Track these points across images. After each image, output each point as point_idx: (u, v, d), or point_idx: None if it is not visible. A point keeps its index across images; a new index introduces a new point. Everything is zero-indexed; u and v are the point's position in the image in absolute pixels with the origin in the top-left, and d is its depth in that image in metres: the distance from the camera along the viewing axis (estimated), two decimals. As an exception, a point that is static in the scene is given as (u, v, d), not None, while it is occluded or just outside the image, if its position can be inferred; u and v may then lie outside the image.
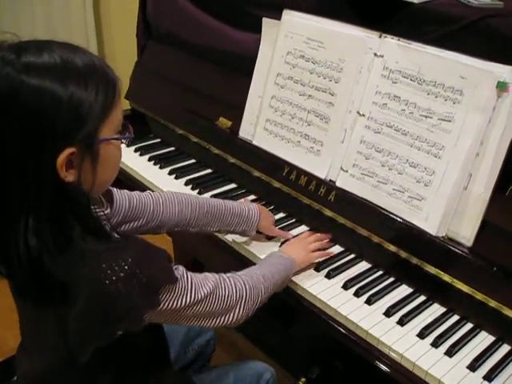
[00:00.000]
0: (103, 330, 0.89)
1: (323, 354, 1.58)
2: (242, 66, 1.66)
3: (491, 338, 1.18)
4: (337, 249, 1.43)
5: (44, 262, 0.84)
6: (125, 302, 0.86)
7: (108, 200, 1.09)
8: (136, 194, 1.27)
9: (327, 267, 1.35)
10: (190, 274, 0.98)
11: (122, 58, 2.31)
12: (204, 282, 1.00)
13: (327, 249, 1.40)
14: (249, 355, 2.10)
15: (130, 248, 0.89)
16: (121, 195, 1.23)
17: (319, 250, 1.36)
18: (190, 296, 0.96)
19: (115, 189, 1.22)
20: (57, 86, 0.80)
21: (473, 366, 1.10)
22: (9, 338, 1.80)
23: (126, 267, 0.85)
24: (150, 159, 1.84)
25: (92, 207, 0.92)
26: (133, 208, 1.25)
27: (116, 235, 0.98)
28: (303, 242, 1.36)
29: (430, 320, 1.21)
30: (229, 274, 1.09)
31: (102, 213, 0.96)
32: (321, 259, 1.36)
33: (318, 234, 1.41)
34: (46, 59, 0.82)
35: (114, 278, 0.84)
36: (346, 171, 1.39)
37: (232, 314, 1.05)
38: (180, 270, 0.96)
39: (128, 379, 1.06)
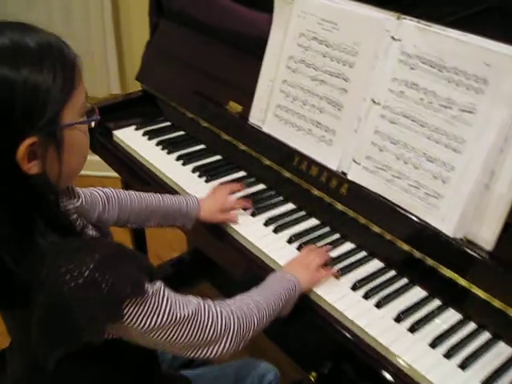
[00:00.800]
0: (64, 338, 0.81)
1: (336, 350, 1.51)
2: (254, 48, 1.56)
3: (510, 350, 1.09)
4: (347, 246, 1.35)
5: (4, 264, 0.78)
6: (83, 312, 0.78)
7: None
8: (87, 191, 1.22)
9: (336, 265, 1.27)
10: (168, 292, 0.88)
11: (139, 37, 2.23)
12: (183, 305, 0.89)
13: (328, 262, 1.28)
14: (260, 347, 2.03)
15: (95, 251, 0.80)
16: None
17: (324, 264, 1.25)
18: (163, 316, 0.85)
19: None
20: (7, 71, 0.73)
21: (488, 382, 1.01)
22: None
23: (86, 273, 0.77)
24: (158, 143, 1.77)
25: (61, 200, 0.85)
26: (87, 205, 1.18)
27: (91, 231, 0.92)
28: (304, 262, 1.22)
29: (443, 328, 1.13)
30: (217, 302, 0.97)
31: (71, 205, 0.89)
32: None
33: (318, 249, 1.29)
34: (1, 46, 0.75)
35: (72, 284, 0.76)
36: (359, 163, 1.30)
37: (216, 348, 0.93)
38: (156, 286, 0.86)
39: (114, 380, 0.99)
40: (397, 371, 1.06)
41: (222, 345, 0.94)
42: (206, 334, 0.91)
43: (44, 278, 0.77)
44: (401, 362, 1.05)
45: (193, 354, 0.93)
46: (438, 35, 1.15)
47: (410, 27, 1.19)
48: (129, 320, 0.83)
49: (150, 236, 2.26)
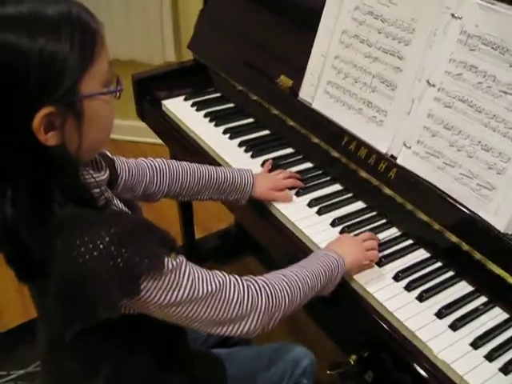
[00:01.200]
0: (80, 313, 0.79)
1: (374, 339, 1.48)
2: (308, 21, 1.50)
3: (558, 356, 1.02)
4: (393, 232, 1.29)
5: (21, 232, 0.77)
6: (97, 286, 0.76)
7: (109, 165, 0.99)
8: (133, 162, 1.21)
9: (380, 253, 1.22)
10: (190, 266, 0.86)
11: (195, 5, 2.19)
12: (207, 280, 0.86)
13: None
14: (301, 326, 2.01)
15: (111, 225, 0.78)
16: (121, 163, 1.17)
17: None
18: (184, 291, 0.83)
19: (115, 156, 1.15)
20: (22, 40, 0.71)
21: (530, 390, 0.96)
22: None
23: (101, 246, 0.75)
24: (205, 115, 1.74)
25: (81, 172, 0.83)
26: (132, 177, 1.19)
27: (117, 204, 0.90)
28: (356, 238, 1.19)
29: (488, 327, 1.07)
30: (246, 277, 0.94)
31: (92, 180, 0.86)
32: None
33: (369, 234, 1.24)
34: (9, 10, 0.73)
35: (87, 256, 0.75)
36: (409, 147, 1.23)
37: (242, 325, 0.90)
38: (177, 260, 0.84)
39: (133, 366, 0.98)
40: (433, 369, 1.01)
41: (249, 323, 0.91)
42: (230, 311, 0.88)
43: (59, 250, 0.76)
44: (439, 360, 1.01)
45: (217, 331, 0.90)
46: (502, 15, 1.06)
47: (472, 5, 1.11)
48: (146, 295, 0.80)
49: (198, 207, 2.25)
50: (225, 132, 1.66)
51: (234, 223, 2.55)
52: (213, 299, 0.86)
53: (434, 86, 1.19)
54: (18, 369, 1.32)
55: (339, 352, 1.89)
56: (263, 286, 0.93)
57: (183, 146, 1.71)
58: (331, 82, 1.42)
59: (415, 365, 1.04)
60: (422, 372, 1.02)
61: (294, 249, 1.29)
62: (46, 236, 0.77)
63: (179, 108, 1.78)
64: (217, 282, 0.88)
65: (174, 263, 0.83)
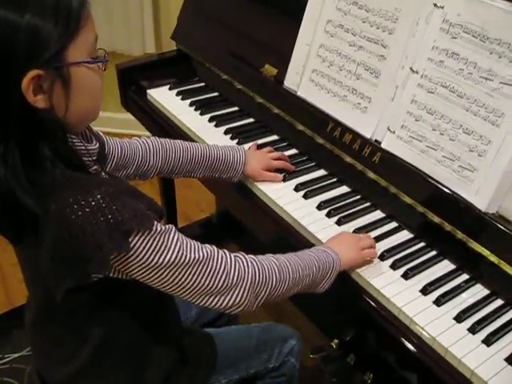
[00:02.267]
0: (73, 269, 0.83)
1: (360, 318, 1.52)
2: (293, 10, 1.53)
3: (537, 328, 1.08)
4: (378, 214, 1.34)
5: (14, 191, 0.80)
6: (89, 241, 0.79)
7: (100, 143, 1.02)
8: (126, 141, 1.26)
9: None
10: (179, 234, 0.89)
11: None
12: (196, 248, 0.89)
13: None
14: (284, 311, 2.05)
15: (104, 185, 0.82)
16: (113, 142, 1.22)
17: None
18: (171, 255, 0.86)
19: (107, 136, 1.20)
20: (12, 15, 0.77)
21: (512, 358, 1.01)
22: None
23: (93, 203, 0.79)
24: (191, 104, 1.77)
25: (70, 139, 0.87)
26: (124, 155, 1.23)
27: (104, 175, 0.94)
28: (354, 237, 1.20)
29: (470, 302, 1.12)
30: (236, 253, 0.96)
31: (83, 147, 0.90)
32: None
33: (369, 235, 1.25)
34: None
35: (79, 213, 0.79)
36: (393, 132, 1.28)
37: (227, 298, 0.92)
38: (167, 226, 0.88)
39: (122, 333, 1.01)
40: (420, 343, 1.06)
41: (234, 296, 0.92)
42: (216, 281, 0.90)
43: (52, 208, 0.80)
44: (424, 333, 1.05)
45: (202, 302, 0.92)
46: (482, 4, 1.11)
47: (454, -6, 1.16)
48: (136, 254, 0.84)
49: (180, 196, 2.28)
50: (210, 120, 1.69)
51: (216, 213, 2.58)
52: (199, 267, 0.89)
53: (417, 72, 1.23)
54: (12, 352, 1.34)
55: (322, 336, 1.93)
56: (251, 262, 0.95)
57: (169, 134, 1.72)
58: (316, 70, 1.46)
59: (402, 339, 1.08)
60: (410, 346, 1.06)
61: (282, 231, 1.33)
62: (39, 194, 0.81)
63: (164, 97, 1.80)
64: (205, 251, 0.90)
65: (163, 227, 0.87)
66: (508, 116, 1.08)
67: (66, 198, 0.79)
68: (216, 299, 0.92)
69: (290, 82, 1.54)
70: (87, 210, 0.79)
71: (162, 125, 1.75)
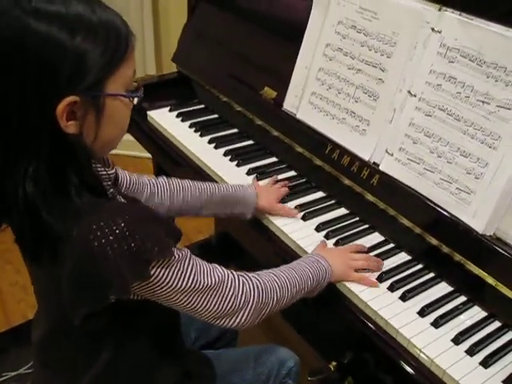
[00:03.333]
0: (92, 293, 0.84)
1: (358, 341, 1.51)
2: (292, 34, 1.56)
3: (534, 351, 1.08)
4: (376, 236, 1.34)
5: (40, 211, 0.81)
6: (111, 268, 0.81)
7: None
8: (135, 175, 1.26)
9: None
10: (194, 259, 0.92)
11: (176, 19, 2.25)
12: (208, 273, 0.93)
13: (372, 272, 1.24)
14: (283, 334, 2.05)
15: (126, 212, 0.84)
16: (121, 171, 1.22)
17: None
18: (187, 281, 0.89)
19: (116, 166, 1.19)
20: (64, 36, 0.78)
21: (510, 381, 1.01)
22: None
23: (117, 231, 0.80)
24: (191, 126, 1.78)
25: (94, 165, 0.89)
26: (133, 188, 1.24)
27: (121, 199, 0.95)
28: (348, 255, 1.22)
29: (468, 324, 1.12)
30: (241, 273, 1.00)
31: (104, 172, 0.93)
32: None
33: (368, 256, 1.26)
34: (58, 8, 0.79)
35: (102, 240, 0.80)
36: (392, 155, 1.29)
37: (233, 319, 0.97)
38: (184, 252, 0.91)
39: (131, 352, 1.02)
40: (418, 365, 1.06)
41: (240, 317, 0.97)
42: (225, 305, 0.94)
43: (75, 233, 0.81)
44: (422, 355, 1.05)
45: (211, 321, 0.96)
46: (479, 29, 1.13)
47: (451, 19, 1.18)
48: (154, 281, 0.86)
49: (179, 218, 2.28)
50: (210, 142, 1.70)
51: (215, 234, 2.58)
52: (210, 292, 0.93)
53: (415, 95, 1.25)
54: (10, 371, 1.34)
55: (320, 358, 1.92)
56: (256, 285, 0.99)
57: (169, 155, 1.74)
58: (315, 92, 1.48)
59: (400, 361, 1.08)
60: (407, 368, 1.06)
61: (280, 252, 1.33)
62: (64, 219, 0.82)
63: (165, 118, 1.81)
64: (216, 276, 0.93)
65: (180, 254, 0.89)
66: (505, 139, 1.09)
67: (89, 224, 0.81)
68: (224, 320, 0.97)
69: (289, 105, 1.56)
70: (111, 238, 0.80)
71: (161, 146, 1.76)
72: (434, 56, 1.21)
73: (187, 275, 0.89)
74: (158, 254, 0.84)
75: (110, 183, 0.94)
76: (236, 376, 1.26)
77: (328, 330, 1.64)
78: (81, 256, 0.81)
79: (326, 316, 1.36)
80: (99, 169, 0.92)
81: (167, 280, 0.87)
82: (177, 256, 0.88)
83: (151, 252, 0.83)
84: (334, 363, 1.37)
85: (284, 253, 1.32)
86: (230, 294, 0.95)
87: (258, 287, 0.99)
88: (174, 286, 0.88)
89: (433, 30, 1.21)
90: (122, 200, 0.98)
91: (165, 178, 1.33)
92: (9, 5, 0.78)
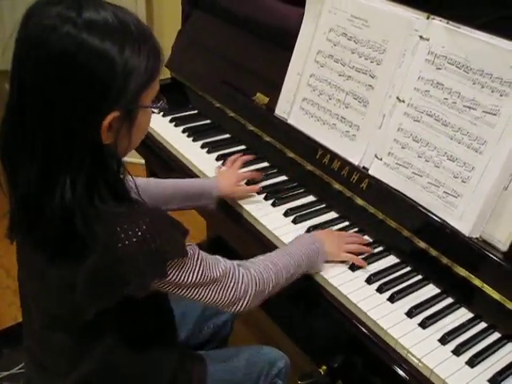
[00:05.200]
0: (109, 291, 0.89)
1: (347, 343, 1.53)
2: (284, 41, 1.58)
3: (519, 351, 1.10)
4: (365, 239, 1.36)
5: (73, 216, 0.84)
6: (133, 267, 0.86)
7: None
8: None
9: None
10: (201, 254, 0.98)
11: (170, 27, 2.27)
12: (213, 267, 0.99)
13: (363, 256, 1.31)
14: (273, 337, 2.06)
15: (146, 216, 0.88)
16: None
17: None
18: (197, 276, 0.96)
19: None
20: (115, 50, 0.80)
21: (495, 380, 1.03)
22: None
23: (140, 233, 0.85)
24: (184, 131, 1.80)
25: (122, 171, 0.93)
26: None
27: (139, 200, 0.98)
28: (342, 237, 1.31)
29: (454, 325, 1.14)
30: (241, 263, 1.08)
31: (130, 178, 0.98)
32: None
33: (361, 237, 1.35)
34: (106, 19, 0.81)
35: (126, 242, 0.85)
36: (381, 159, 1.32)
37: (235, 306, 1.05)
38: (193, 248, 0.96)
39: (126, 346, 1.04)
40: (405, 364, 1.08)
41: (241, 304, 1.05)
42: (228, 295, 1.02)
43: (100, 235, 0.85)
44: (410, 355, 1.07)
45: (218, 307, 1.05)
46: (466, 37, 1.16)
47: (438, 28, 1.21)
48: (170, 278, 0.93)
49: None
50: (203, 146, 1.72)
51: (207, 240, 2.59)
52: (216, 284, 1.00)
53: (403, 101, 1.28)
54: (2, 370, 1.35)
55: (310, 362, 1.94)
56: (254, 275, 1.07)
57: (162, 160, 1.76)
58: (306, 98, 1.50)
59: (388, 361, 1.10)
60: (395, 367, 1.08)
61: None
62: (90, 222, 0.85)
63: (158, 123, 1.83)
64: (220, 269, 1.00)
65: (191, 252, 0.95)
66: (490, 143, 1.12)
67: (113, 227, 0.85)
68: (228, 306, 1.05)
69: (280, 110, 1.58)
70: (134, 240, 0.85)
71: (154, 151, 1.78)
72: (422, 63, 1.24)
73: (196, 270, 0.96)
74: (175, 254, 0.91)
75: (133, 188, 0.98)
76: (227, 374, 1.27)
77: (317, 332, 1.66)
78: (104, 256, 0.86)
79: (315, 319, 1.38)
80: (125, 176, 0.95)
81: (180, 277, 0.94)
82: (189, 254, 0.94)
83: (169, 253, 0.90)
84: (323, 367, 1.39)
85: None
86: (232, 284, 1.02)
87: (255, 277, 1.07)
88: (185, 281, 0.95)
89: (421, 37, 1.24)
90: (139, 202, 1.01)
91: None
92: (58, 20, 0.79)
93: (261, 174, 1.54)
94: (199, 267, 0.96)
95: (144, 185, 1.32)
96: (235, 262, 1.07)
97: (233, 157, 1.59)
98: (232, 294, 1.03)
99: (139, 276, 0.87)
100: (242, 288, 1.04)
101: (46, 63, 0.79)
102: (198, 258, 0.96)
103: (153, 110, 0.95)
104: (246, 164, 1.63)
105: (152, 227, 0.87)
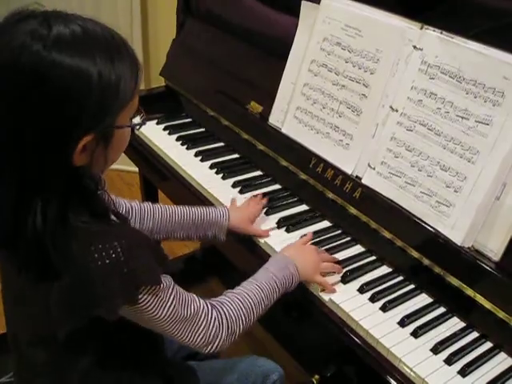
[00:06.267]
0: (79, 311, 0.85)
1: (339, 352, 1.53)
2: (279, 50, 1.59)
3: (510, 361, 1.10)
4: (358, 249, 1.37)
5: (46, 242, 0.82)
6: (104, 289, 0.83)
7: None
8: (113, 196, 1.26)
9: (344, 268, 1.28)
10: (175, 288, 0.95)
11: (165, 35, 2.28)
12: (186, 305, 0.96)
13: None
14: (266, 346, 2.05)
15: (123, 237, 0.85)
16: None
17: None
18: (167, 311, 0.92)
19: None
20: (90, 71, 0.76)
21: (487, 390, 1.03)
22: None
23: (114, 255, 0.82)
24: (178, 139, 1.80)
25: (100, 189, 0.91)
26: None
27: (115, 219, 0.96)
28: (317, 256, 1.25)
29: (446, 334, 1.14)
30: (213, 303, 1.03)
31: (106, 194, 0.95)
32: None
33: (334, 258, 1.31)
34: (77, 35, 0.78)
35: (99, 262, 0.82)
36: (374, 168, 1.32)
37: (206, 348, 1.01)
38: (167, 280, 0.93)
39: (111, 364, 1.02)
40: (397, 374, 1.07)
41: (210, 347, 1.01)
42: (197, 337, 0.98)
43: (75, 253, 0.82)
44: (402, 365, 1.07)
45: (188, 346, 1.00)
46: (459, 47, 1.17)
47: (432, 37, 1.21)
48: (140, 306, 0.89)
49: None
50: (196, 155, 1.72)
51: (200, 248, 2.59)
52: (185, 323, 0.96)
53: (396, 111, 1.28)
54: (-7, 378, 1.33)
55: (303, 372, 1.93)
56: (225, 319, 1.02)
57: (155, 168, 1.76)
58: (300, 107, 1.51)
59: (380, 370, 1.09)
60: (388, 377, 1.08)
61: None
62: (65, 240, 0.83)
63: (152, 131, 1.83)
64: (192, 308, 0.97)
65: (165, 283, 0.91)
66: (483, 153, 1.12)
67: (88, 246, 0.82)
68: (199, 348, 1.01)
69: (274, 119, 1.59)
70: (107, 261, 0.82)
71: (148, 159, 1.78)
72: (416, 72, 1.24)
73: (167, 305, 0.92)
74: (149, 281, 0.87)
75: (109, 204, 0.96)
76: None
77: (311, 344, 1.65)
78: (76, 275, 0.83)
79: (308, 329, 1.38)
80: (102, 192, 0.94)
81: (150, 307, 0.90)
82: (163, 284, 0.90)
83: (142, 278, 0.86)
84: (316, 376, 1.38)
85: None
86: (202, 327, 0.98)
87: (226, 321, 1.02)
88: (154, 313, 0.91)
89: (414, 47, 1.25)
90: (115, 220, 0.99)
91: (137, 202, 1.33)
92: (27, 38, 0.75)
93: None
94: (171, 301, 0.92)
95: (142, 210, 1.31)
96: (209, 303, 1.02)
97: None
98: (201, 336, 0.99)
99: (109, 299, 0.84)
100: (213, 332, 1.00)
101: (17, 84, 0.76)
102: (171, 292, 0.93)
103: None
104: (239, 172, 1.63)
105: (127, 249, 0.83)
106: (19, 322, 1.02)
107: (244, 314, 1.05)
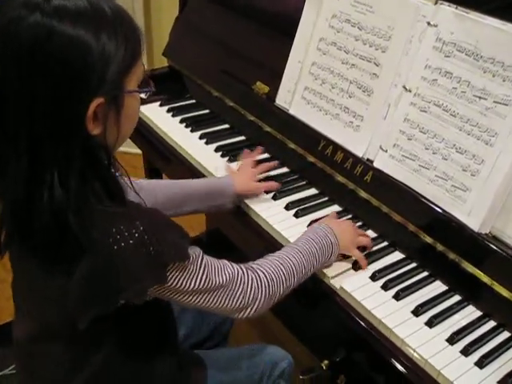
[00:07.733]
0: (104, 297, 0.83)
1: (350, 340, 1.50)
2: (285, 28, 1.53)
3: (529, 351, 1.06)
4: (369, 234, 1.32)
5: (65, 216, 0.79)
6: (130, 271, 0.81)
7: None
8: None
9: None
10: (206, 258, 0.93)
11: (168, 13, 2.22)
12: (219, 272, 0.94)
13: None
14: (275, 333, 2.03)
15: (144, 217, 0.83)
16: None
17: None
18: (200, 281, 0.90)
19: None
20: (90, 36, 0.75)
21: (505, 382, 0.99)
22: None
23: (136, 235, 0.80)
24: (181, 121, 1.75)
25: (113, 171, 0.89)
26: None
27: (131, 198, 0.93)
28: (356, 231, 1.24)
29: (462, 324, 1.10)
30: (250, 267, 1.01)
31: (121, 178, 0.92)
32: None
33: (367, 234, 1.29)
34: (77, 4, 0.76)
35: (122, 244, 0.79)
36: (386, 151, 1.27)
37: (242, 313, 1.00)
38: (196, 252, 0.91)
39: (126, 353, 0.99)
40: (411, 365, 1.04)
41: (249, 311, 1.00)
42: (235, 302, 0.97)
43: (95, 236, 0.80)
44: (416, 355, 1.03)
45: (223, 314, 1.00)
46: (476, 23, 1.11)
47: (447, 13, 1.16)
48: (171, 284, 0.87)
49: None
50: (201, 137, 1.67)
51: (205, 232, 2.56)
52: (221, 290, 0.94)
53: (410, 91, 1.23)
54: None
55: (312, 357, 1.90)
56: (264, 280, 1.01)
57: (159, 151, 1.72)
58: (308, 87, 1.45)
59: (393, 361, 1.06)
60: (400, 367, 1.04)
61: (272, 250, 1.31)
62: (83, 221, 0.80)
63: (155, 114, 1.79)
64: (226, 274, 0.95)
65: (194, 255, 0.89)
66: (501, 135, 1.07)
67: (108, 228, 0.80)
68: (235, 313, 1.00)
69: (281, 100, 1.54)
70: (130, 241, 0.80)
71: (151, 141, 1.74)
72: (430, 50, 1.19)
73: (200, 276, 0.90)
74: (175, 257, 0.85)
75: (126, 187, 0.93)
76: (228, 376, 1.24)
77: (320, 329, 1.62)
78: (99, 259, 0.80)
79: (318, 315, 1.34)
80: (117, 174, 0.91)
81: (182, 282, 0.88)
82: (191, 258, 0.88)
83: (168, 255, 0.83)
84: (326, 361, 1.35)
85: (275, 250, 1.29)
86: (240, 290, 0.97)
87: (265, 282, 1.00)
88: (187, 287, 0.89)
89: (429, 23, 1.19)
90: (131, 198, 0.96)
91: (145, 179, 1.32)
92: (25, 9, 0.74)
93: (275, 164, 1.49)
94: (203, 272, 0.90)
95: (150, 187, 1.28)
96: (243, 266, 1.00)
97: (249, 157, 1.50)
98: (240, 300, 0.97)
99: (137, 281, 0.82)
100: (252, 294, 0.98)
101: (17, 56, 0.74)
102: (201, 262, 0.91)
103: (140, 95, 0.89)
104: (240, 151, 1.59)
105: (150, 228, 0.81)
106: (30, 316, 0.98)
107: (284, 275, 1.04)
